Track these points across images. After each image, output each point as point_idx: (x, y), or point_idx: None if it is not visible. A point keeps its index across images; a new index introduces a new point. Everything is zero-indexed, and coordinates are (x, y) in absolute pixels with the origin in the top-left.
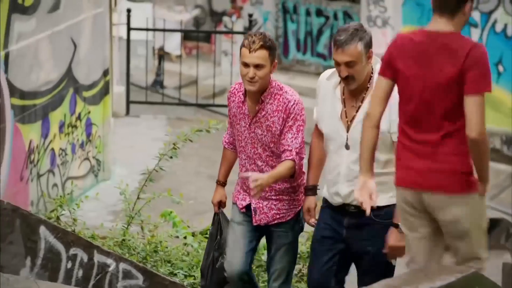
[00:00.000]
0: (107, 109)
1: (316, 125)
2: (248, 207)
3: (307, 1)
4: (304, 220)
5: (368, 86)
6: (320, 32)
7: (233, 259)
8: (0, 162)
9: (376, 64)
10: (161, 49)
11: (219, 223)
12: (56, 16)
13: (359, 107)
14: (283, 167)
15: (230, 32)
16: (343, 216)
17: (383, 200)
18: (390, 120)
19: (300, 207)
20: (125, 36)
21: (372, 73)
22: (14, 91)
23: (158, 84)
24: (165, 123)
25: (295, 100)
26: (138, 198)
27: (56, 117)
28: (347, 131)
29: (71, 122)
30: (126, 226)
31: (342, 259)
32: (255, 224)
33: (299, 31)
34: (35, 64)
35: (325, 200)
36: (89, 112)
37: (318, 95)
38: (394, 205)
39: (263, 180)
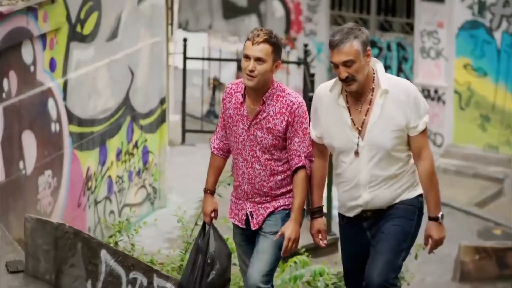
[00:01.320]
0: (164, 137)
1: (315, 145)
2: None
3: None
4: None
5: (373, 87)
6: None
7: (247, 282)
8: (59, 189)
9: (376, 64)
10: (216, 79)
11: (209, 236)
12: (114, 45)
13: (367, 110)
14: (299, 189)
15: (285, 62)
16: (361, 222)
17: (400, 199)
18: (406, 113)
19: None
20: (180, 66)
21: (374, 73)
22: (72, 118)
23: (212, 114)
24: None
25: (299, 103)
26: (196, 224)
27: (113, 145)
28: (362, 138)
29: (128, 150)
30: (183, 252)
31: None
32: (253, 228)
33: None
34: (93, 92)
35: (341, 217)
36: (145, 140)
37: (317, 111)
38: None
39: (293, 232)
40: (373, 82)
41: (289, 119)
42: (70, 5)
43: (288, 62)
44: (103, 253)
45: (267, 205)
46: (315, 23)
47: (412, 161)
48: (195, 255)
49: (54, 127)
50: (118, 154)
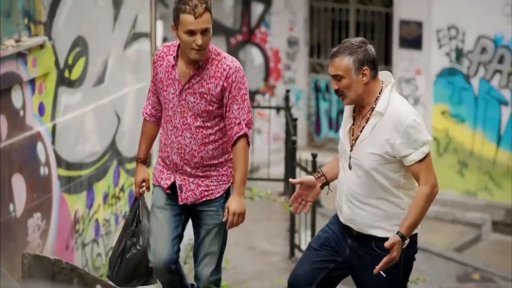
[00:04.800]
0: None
1: None
2: (173, 187)
3: None
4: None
5: (374, 106)
6: None
7: (159, 248)
8: (47, 231)
9: (388, 86)
10: None
11: (137, 210)
12: (101, 90)
13: (363, 128)
14: (240, 159)
15: (266, 107)
16: (348, 235)
17: (382, 232)
18: (393, 143)
19: (229, 183)
20: None
21: (380, 93)
22: (60, 162)
23: None
24: None
25: (236, 67)
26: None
27: (100, 188)
28: (351, 150)
29: (115, 194)
30: None
31: (335, 271)
32: (181, 203)
33: (332, 110)
34: (81, 136)
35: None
36: (131, 184)
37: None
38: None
39: (238, 206)
40: (375, 102)
41: (225, 84)
42: (58, 51)
43: (270, 108)
44: None
45: (199, 181)
46: (294, 71)
47: (406, 200)
48: (124, 230)
49: (43, 170)
50: (105, 197)
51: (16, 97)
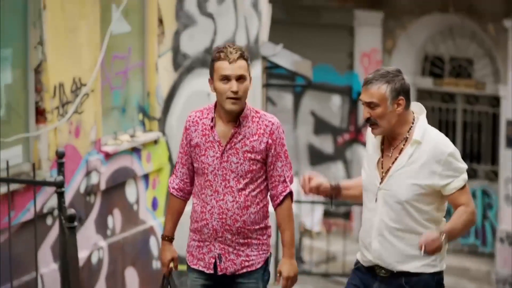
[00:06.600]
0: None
1: None
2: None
3: None
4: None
5: (407, 136)
6: None
7: None
8: None
9: (420, 116)
10: (301, 225)
11: None
12: None
13: (395, 158)
14: (287, 220)
15: None
16: (373, 279)
17: (415, 267)
18: (434, 172)
19: (269, 253)
20: None
21: (413, 122)
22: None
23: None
24: None
25: (278, 123)
26: None
27: None
28: (381, 183)
29: None
30: None
31: None
32: (220, 273)
33: None
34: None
35: (357, 261)
36: None
37: (368, 143)
38: (426, 274)
39: (291, 270)
40: (408, 132)
41: (269, 141)
42: (172, 146)
43: None
44: None
45: (240, 251)
46: None
47: (436, 228)
48: None
49: (156, 264)
50: None
51: (130, 191)
